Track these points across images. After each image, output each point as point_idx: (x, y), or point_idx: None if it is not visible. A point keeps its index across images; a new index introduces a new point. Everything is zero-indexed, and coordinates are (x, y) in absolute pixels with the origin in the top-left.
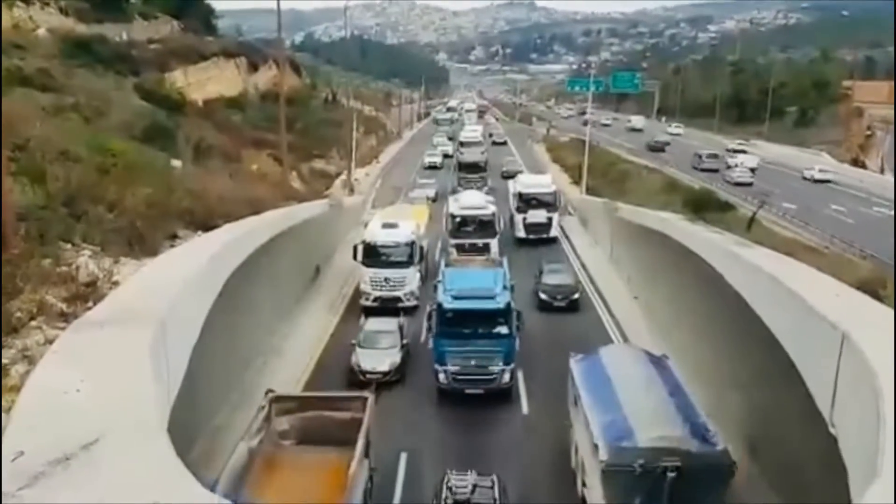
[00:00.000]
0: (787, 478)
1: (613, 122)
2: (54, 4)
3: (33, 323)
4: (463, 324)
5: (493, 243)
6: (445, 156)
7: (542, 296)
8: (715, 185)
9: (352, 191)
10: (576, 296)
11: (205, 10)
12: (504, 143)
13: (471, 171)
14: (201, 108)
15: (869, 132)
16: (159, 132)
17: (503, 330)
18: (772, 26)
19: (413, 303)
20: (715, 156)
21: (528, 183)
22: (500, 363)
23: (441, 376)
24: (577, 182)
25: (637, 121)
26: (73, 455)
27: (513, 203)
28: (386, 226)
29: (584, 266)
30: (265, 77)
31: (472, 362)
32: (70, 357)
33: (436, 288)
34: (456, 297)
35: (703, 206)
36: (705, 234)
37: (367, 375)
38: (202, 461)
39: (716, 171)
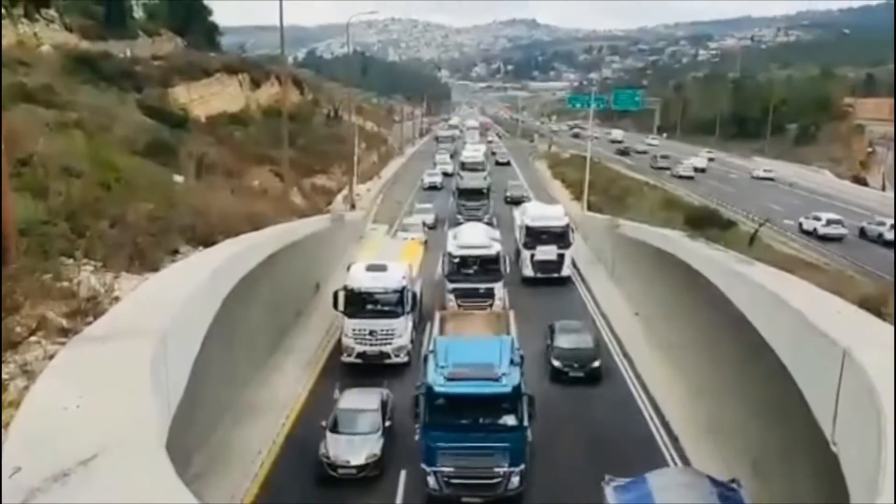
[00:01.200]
0: (788, 495)
1: (602, 135)
2: (59, 21)
3: (33, 338)
4: (459, 412)
5: (498, 288)
6: (446, 174)
7: (555, 363)
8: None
9: (353, 206)
10: (596, 363)
11: (208, 27)
12: (507, 164)
13: (471, 198)
14: (204, 124)
15: (870, 149)
16: (162, 148)
17: (510, 421)
18: (772, 44)
19: (404, 359)
20: (666, 157)
21: (536, 215)
22: (506, 464)
23: (431, 480)
24: (578, 198)
25: (616, 133)
26: (71, 471)
27: (519, 237)
28: (372, 268)
29: (584, 281)
30: (268, 93)
31: (471, 462)
32: (69, 372)
33: (426, 360)
34: (451, 379)
35: (704, 223)
36: (707, 251)
37: (339, 471)
38: (200, 477)
39: (667, 168)
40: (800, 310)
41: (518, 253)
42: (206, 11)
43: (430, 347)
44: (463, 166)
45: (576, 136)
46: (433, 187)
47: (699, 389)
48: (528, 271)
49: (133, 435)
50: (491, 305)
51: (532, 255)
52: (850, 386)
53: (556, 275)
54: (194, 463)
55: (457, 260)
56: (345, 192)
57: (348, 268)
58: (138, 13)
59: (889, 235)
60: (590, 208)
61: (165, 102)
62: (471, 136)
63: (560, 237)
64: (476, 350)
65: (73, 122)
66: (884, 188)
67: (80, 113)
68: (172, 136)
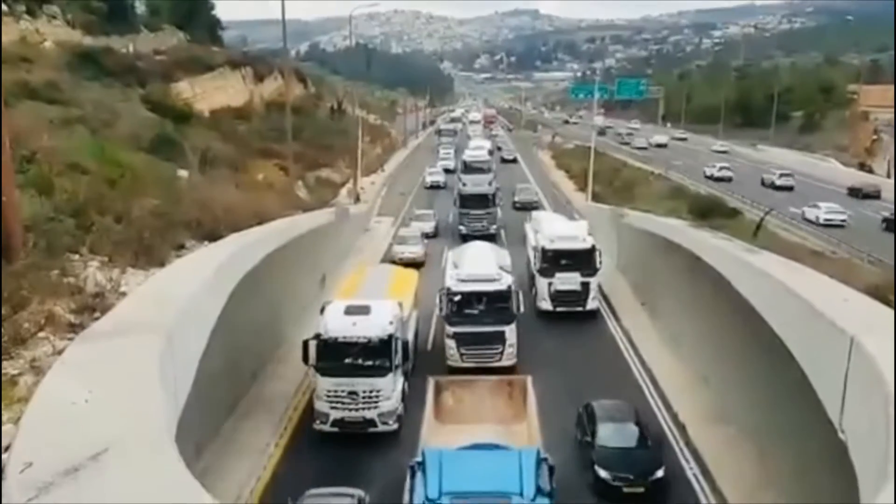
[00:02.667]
0: (796, 483)
1: (580, 120)
2: (61, 17)
3: (41, 334)
4: None
5: (510, 331)
6: (448, 171)
7: (602, 473)
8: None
9: (357, 199)
10: (660, 473)
11: (210, 22)
12: (514, 161)
13: (475, 206)
14: (207, 119)
15: (875, 136)
16: (166, 143)
17: None
18: (776, 31)
19: (392, 426)
20: (631, 135)
21: (554, 234)
22: None
23: None
24: (582, 189)
25: (598, 119)
26: (82, 465)
27: (533, 260)
28: (351, 311)
29: None
30: (271, 87)
31: None
32: (78, 368)
33: (412, 474)
34: None
35: (709, 213)
36: (712, 241)
37: None
38: (210, 471)
39: (629, 143)
40: (807, 298)
41: (532, 280)
42: (208, 6)
43: (419, 458)
44: (465, 167)
45: (566, 122)
46: (436, 186)
47: (705, 376)
48: (546, 304)
49: (142, 429)
50: (501, 353)
51: (550, 285)
52: (858, 373)
53: (579, 308)
54: (204, 455)
55: (458, 297)
56: (349, 185)
57: (322, 309)
58: (140, 8)
59: (779, 182)
60: (594, 198)
61: (169, 97)
62: (474, 130)
63: (584, 261)
64: (485, 470)
65: (77, 118)
66: (888, 175)
67: (84, 109)
68: (176, 131)
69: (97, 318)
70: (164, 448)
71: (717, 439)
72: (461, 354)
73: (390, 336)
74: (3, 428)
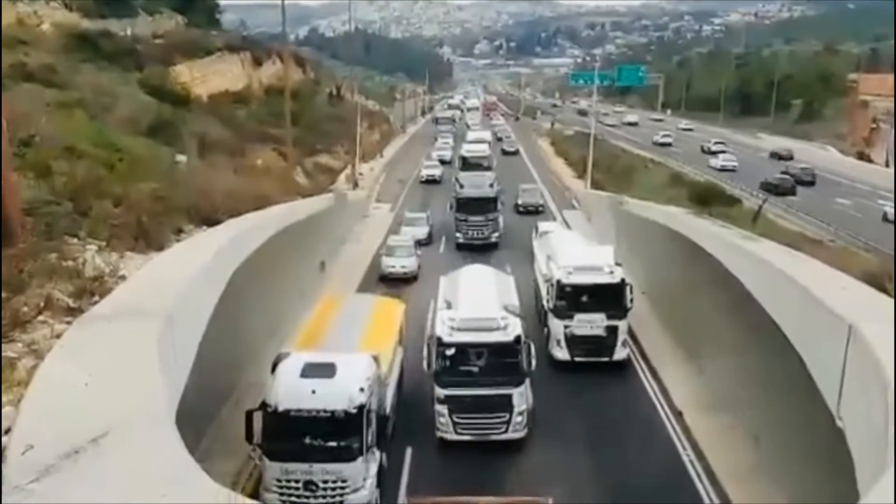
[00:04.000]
0: (794, 471)
1: (572, 105)
2: (59, 0)
3: (40, 317)
4: None
5: (518, 396)
6: (443, 162)
7: None
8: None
9: (356, 185)
10: None
11: (209, 5)
12: (516, 153)
13: (475, 211)
14: (206, 103)
15: (874, 125)
16: (164, 127)
17: None
18: (776, 19)
19: None
20: (606, 114)
21: (571, 263)
22: None
23: None
24: (581, 177)
25: (583, 104)
26: (82, 448)
27: (546, 296)
28: (311, 372)
29: None
30: (269, 72)
31: None
32: (77, 351)
33: None
34: None
35: (708, 200)
36: (711, 228)
37: None
38: (210, 454)
39: (600, 122)
40: (805, 285)
41: (543, 318)
42: None
43: None
44: (464, 163)
45: (554, 105)
46: (432, 180)
47: (702, 364)
48: (561, 353)
49: (142, 412)
50: (507, 422)
51: (566, 328)
52: (856, 361)
53: (605, 359)
54: (204, 438)
55: (451, 351)
56: (348, 171)
57: (273, 366)
58: None
59: (714, 148)
60: (593, 186)
61: (167, 81)
62: (472, 118)
63: (611, 299)
64: None
65: (75, 101)
66: (887, 164)
67: (82, 92)
68: (174, 115)
69: (96, 302)
70: (164, 432)
71: (714, 427)
72: (455, 424)
73: (361, 408)
74: (3, 410)
